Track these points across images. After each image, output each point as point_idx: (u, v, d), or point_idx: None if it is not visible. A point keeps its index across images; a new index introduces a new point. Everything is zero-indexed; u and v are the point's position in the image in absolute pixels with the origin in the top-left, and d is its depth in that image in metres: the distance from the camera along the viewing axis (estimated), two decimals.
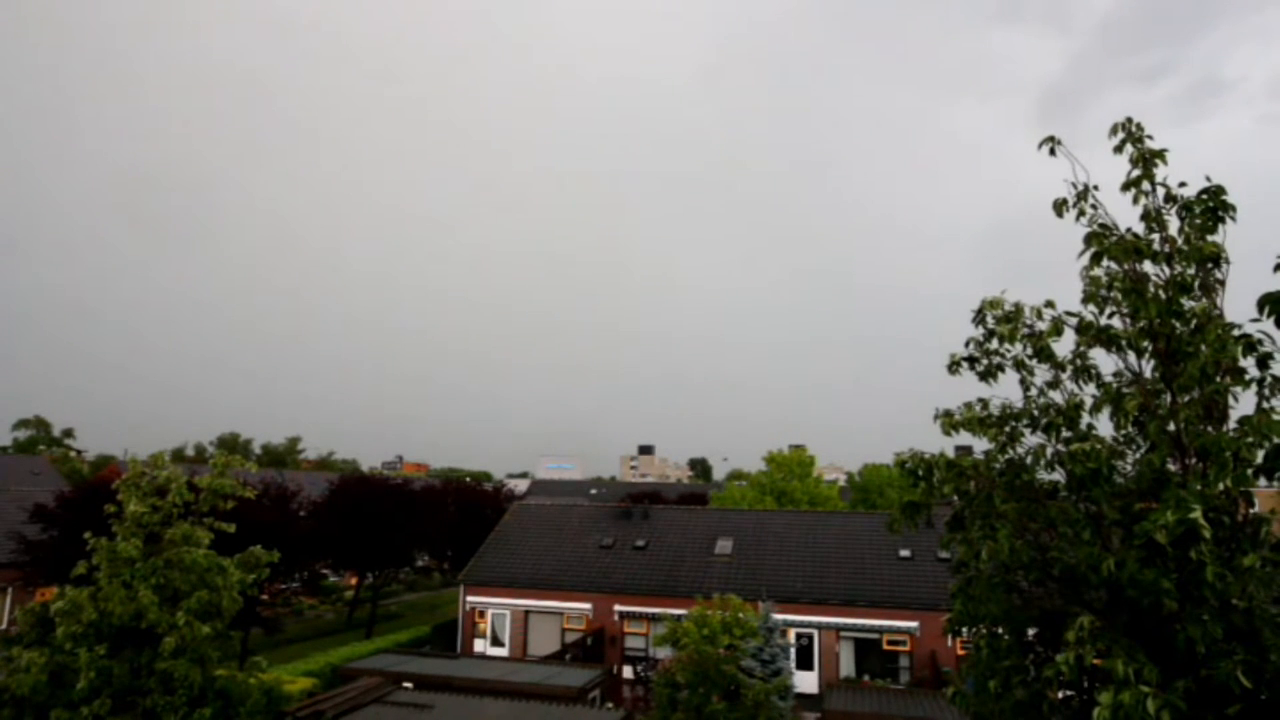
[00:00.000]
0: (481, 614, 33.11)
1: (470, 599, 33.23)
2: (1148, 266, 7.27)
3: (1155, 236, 7.37)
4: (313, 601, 45.98)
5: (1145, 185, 7.41)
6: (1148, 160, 7.35)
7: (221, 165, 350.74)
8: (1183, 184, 7.21)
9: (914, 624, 28.27)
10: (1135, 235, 7.06)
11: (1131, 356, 7.42)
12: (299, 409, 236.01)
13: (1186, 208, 7.17)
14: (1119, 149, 7.47)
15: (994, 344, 7.96)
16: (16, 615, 16.78)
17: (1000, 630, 6.78)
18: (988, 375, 7.99)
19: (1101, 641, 5.38)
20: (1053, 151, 7.68)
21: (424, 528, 40.04)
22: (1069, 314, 7.49)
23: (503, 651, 31.99)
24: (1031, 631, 6.88)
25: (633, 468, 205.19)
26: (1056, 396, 7.65)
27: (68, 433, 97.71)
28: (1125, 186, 7.47)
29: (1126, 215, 7.53)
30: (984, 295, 8.14)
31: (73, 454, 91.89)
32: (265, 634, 31.97)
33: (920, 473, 7.25)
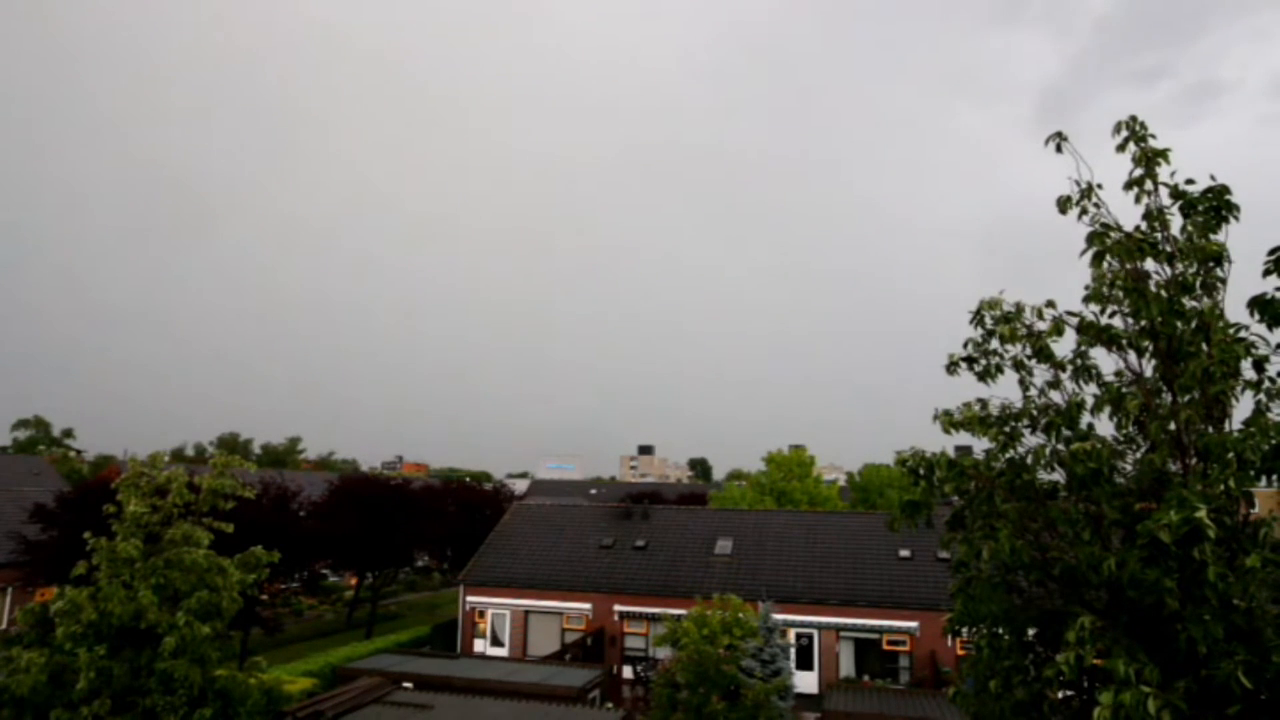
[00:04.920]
0: (481, 614, 33.10)
1: (470, 599, 33.22)
2: (1149, 265, 7.27)
3: (1158, 235, 7.36)
4: (312, 601, 45.93)
5: (1148, 184, 7.40)
6: (1151, 159, 7.35)
7: (216, 161, 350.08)
8: (1190, 181, 7.20)
9: (914, 624, 28.27)
10: (1142, 233, 7.06)
11: (1132, 356, 7.43)
12: (298, 409, 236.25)
13: (1190, 205, 7.17)
14: (1121, 148, 7.45)
15: (993, 344, 7.96)
16: (17, 615, 16.80)
17: (1001, 630, 6.78)
18: (986, 375, 8.00)
19: (1102, 641, 5.37)
20: (1059, 148, 7.67)
21: (424, 528, 40.03)
22: (1070, 314, 7.50)
23: (502, 651, 31.99)
24: (1032, 631, 6.88)
25: (633, 468, 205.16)
26: (1056, 397, 7.65)
27: (67, 433, 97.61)
28: (1128, 185, 7.46)
29: (1129, 215, 7.54)
30: (982, 295, 8.15)
31: (72, 454, 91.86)
32: (265, 634, 31.97)
33: (921, 471, 7.25)
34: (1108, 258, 7.28)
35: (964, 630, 7.34)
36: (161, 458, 15.61)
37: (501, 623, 32.78)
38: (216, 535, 14.79)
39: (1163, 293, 7.03)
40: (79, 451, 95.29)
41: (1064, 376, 7.55)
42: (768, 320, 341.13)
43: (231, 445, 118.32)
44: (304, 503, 37.33)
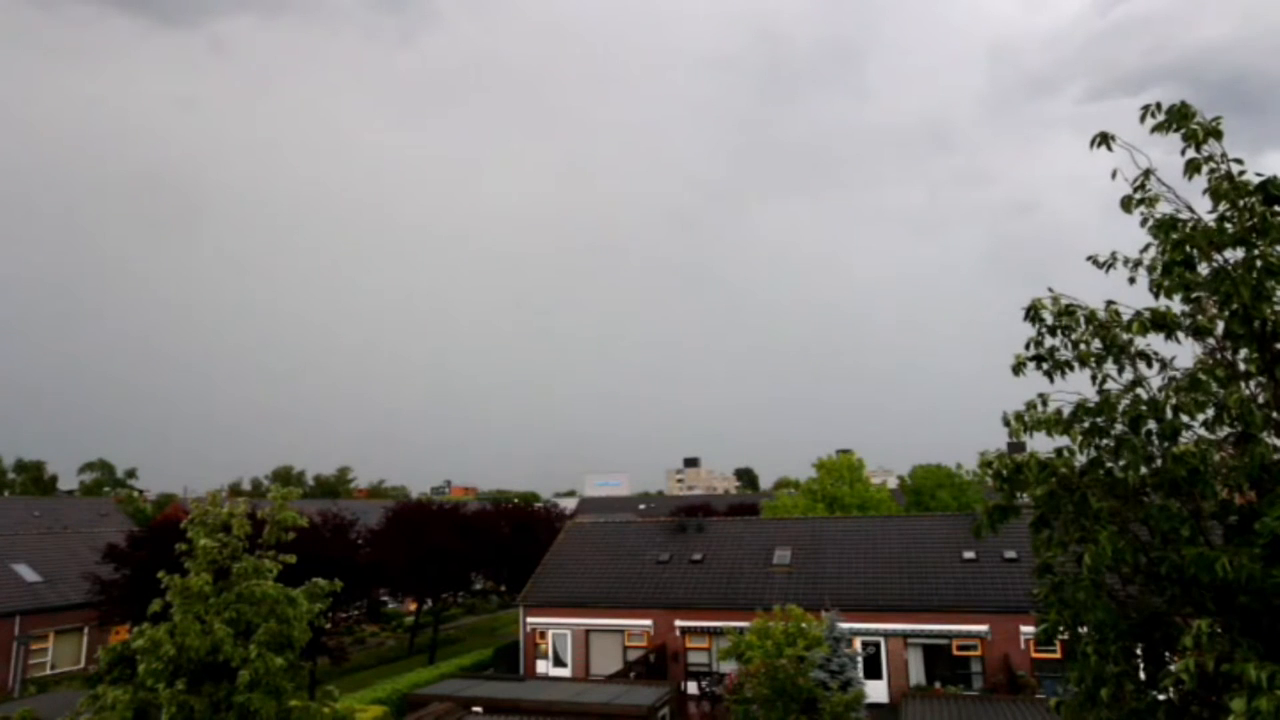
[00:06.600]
0: (542, 635, 33.15)
1: (531, 620, 33.31)
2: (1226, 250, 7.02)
3: (1231, 218, 7.10)
4: (374, 629, 46.52)
5: (1211, 164, 7.16)
6: (1210, 134, 7.09)
7: (228, 178, 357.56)
8: (1238, 160, 6.96)
9: (984, 628, 27.59)
10: (1222, 218, 6.82)
11: (1211, 343, 7.18)
12: (345, 440, 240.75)
13: (1254, 191, 6.91)
14: (1165, 127, 7.18)
15: (1054, 340, 7.77)
16: (99, 654, 17.28)
17: (1106, 635, 6.53)
18: (1054, 372, 7.79)
19: (1221, 645, 5.13)
20: (1109, 147, 7.48)
21: (479, 551, 40.34)
22: (1151, 310, 7.25)
23: (565, 672, 31.97)
24: (1137, 635, 6.62)
25: (679, 480, 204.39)
26: (1140, 392, 7.40)
27: (130, 473, 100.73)
28: (1190, 167, 7.22)
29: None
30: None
31: (136, 494, 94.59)
32: (332, 663, 32.37)
33: (1006, 474, 7.05)
34: (1186, 246, 7.04)
35: (1060, 635, 7.10)
36: (219, 496, 15.94)
37: (563, 643, 32.78)
38: (281, 567, 14.99)
39: (1249, 275, 6.77)
40: (142, 491, 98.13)
41: (1148, 371, 7.30)
42: (798, 325, 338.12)
43: (285, 478, 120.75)
44: (361, 531, 37.89)
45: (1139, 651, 6.93)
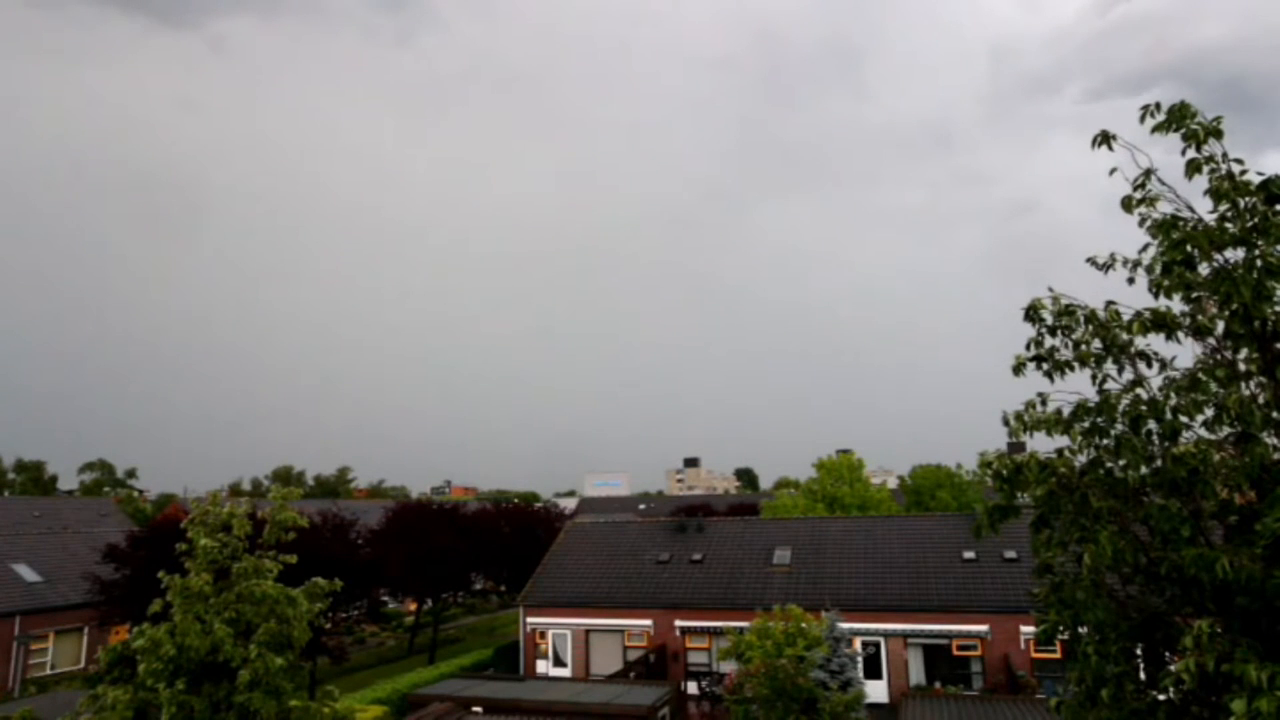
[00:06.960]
0: (542, 635, 33.14)
1: (531, 620, 33.30)
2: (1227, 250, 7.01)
3: (1230, 218, 7.09)
4: (374, 629, 46.52)
5: (1212, 164, 7.15)
6: (1210, 134, 7.08)
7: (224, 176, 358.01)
8: (1238, 160, 6.95)
9: (984, 627, 27.58)
10: (1222, 218, 6.82)
11: (1211, 343, 7.18)
12: (345, 439, 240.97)
13: (1256, 190, 6.90)
14: (1163, 128, 7.17)
15: (1054, 340, 7.77)
16: (99, 654, 17.29)
17: (1107, 636, 6.53)
18: (1054, 372, 7.79)
19: (1221, 645, 5.12)
20: (1110, 146, 7.47)
21: (480, 551, 40.35)
22: (1150, 310, 7.24)
23: (565, 672, 31.97)
24: (1137, 635, 6.62)
25: (679, 480, 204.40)
26: (1140, 392, 7.40)
27: (130, 473, 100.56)
28: (1190, 167, 7.21)
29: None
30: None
31: (136, 494, 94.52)
32: (332, 663, 32.36)
33: (1006, 474, 7.05)
34: (1188, 246, 7.03)
35: (1060, 635, 7.10)
36: (219, 496, 15.95)
37: (563, 643, 32.78)
38: (281, 567, 14.99)
39: (1249, 275, 6.77)
40: (142, 491, 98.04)
41: (1148, 371, 7.30)
42: (802, 327, 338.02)
43: (285, 478, 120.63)
44: (361, 531, 37.90)
45: (1139, 651, 6.94)
